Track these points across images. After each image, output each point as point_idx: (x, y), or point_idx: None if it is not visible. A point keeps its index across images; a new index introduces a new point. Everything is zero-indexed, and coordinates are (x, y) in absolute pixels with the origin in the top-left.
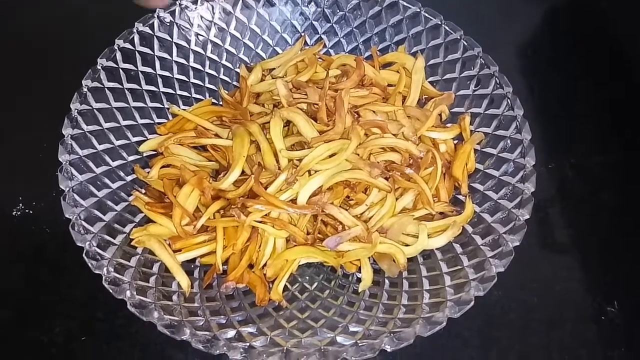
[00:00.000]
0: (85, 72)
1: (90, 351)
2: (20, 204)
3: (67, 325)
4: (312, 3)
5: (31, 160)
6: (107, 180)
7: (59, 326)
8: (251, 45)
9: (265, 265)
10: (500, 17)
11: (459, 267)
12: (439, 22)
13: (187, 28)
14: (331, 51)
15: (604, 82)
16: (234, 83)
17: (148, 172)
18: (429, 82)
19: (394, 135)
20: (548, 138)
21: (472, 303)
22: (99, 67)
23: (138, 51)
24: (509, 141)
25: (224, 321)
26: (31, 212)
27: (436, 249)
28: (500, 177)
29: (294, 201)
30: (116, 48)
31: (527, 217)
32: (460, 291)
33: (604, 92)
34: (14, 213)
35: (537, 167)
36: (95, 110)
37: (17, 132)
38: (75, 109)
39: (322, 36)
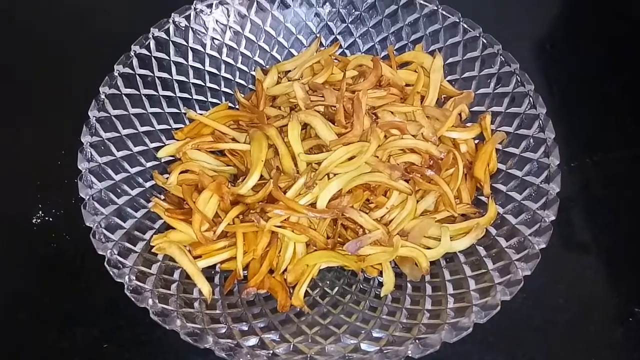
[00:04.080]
0: (102, 79)
1: (112, 358)
2: (40, 212)
3: (89, 333)
4: (327, 3)
5: (50, 169)
6: (126, 187)
7: (81, 334)
8: (266, 47)
9: (285, 270)
10: (517, 12)
11: (484, 270)
12: (457, 20)
13: (202, 32)
14: (347, 52)
15: (623, 74)
16: (250, 86)
17: (167, 178)
18: (447, 81)
19: (413, 136)
20: (569, 135)
21: (499, 308)
22: (116, 74)
23: (154, 57)
24: (531, 140)
25: (246, 328)
26: (51, 219)
27: (459, 251)
28: (524, 178)
29: (313, 205)
30: (132, 54)
31: (553, 218)
32: (486, 295)
33: (624, 85)
34: (34, 221)
35: (559, 166)
36: (113, 117)
37: (35, 140)
38: (93, 116)
39: (338, 37)
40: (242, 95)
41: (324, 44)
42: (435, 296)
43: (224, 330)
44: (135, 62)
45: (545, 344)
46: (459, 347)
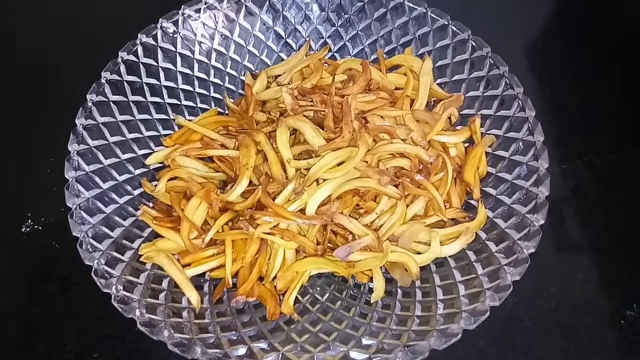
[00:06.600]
0: (89, 86)
1: None
2: (29, 220)
3: (78, 342)
4: (316, 7)
5: (39, 177)
6: (114, 196)
7: (71, 343)
8: (255, 52)
9: (275, 277)
10: (509, 11)
11: (473, 275)
12: (446, 23)
13: (190, 37)
14: (337, 55)
15: (615, 76)
16: (240, 91)
17: (155, 186)
18: (437, 84)
19: (402, 140)
20: (560, 137)
21: (488, 314)
22: (103, 81)
23: (142, 63)
24: (521, 143)
25: (235, 337)
26: (40, 228)
27: (449, 256)
28: (513, 181)
29: (302, 211)
30: (120, 61)
31: (542, 222)
32: (475, 301)
33: (616, 86)
34: (23, 230)
35: (550, 168)
36: (100, 124)
37: (24, 148)
38: (81, 124)
39: (327, 40)
40: (232, 100)
41: (314, 48)
42: (425, 302)
43: (212, 340)
44: (122, 68)
45: (536, 348)
46: (449, 352)
